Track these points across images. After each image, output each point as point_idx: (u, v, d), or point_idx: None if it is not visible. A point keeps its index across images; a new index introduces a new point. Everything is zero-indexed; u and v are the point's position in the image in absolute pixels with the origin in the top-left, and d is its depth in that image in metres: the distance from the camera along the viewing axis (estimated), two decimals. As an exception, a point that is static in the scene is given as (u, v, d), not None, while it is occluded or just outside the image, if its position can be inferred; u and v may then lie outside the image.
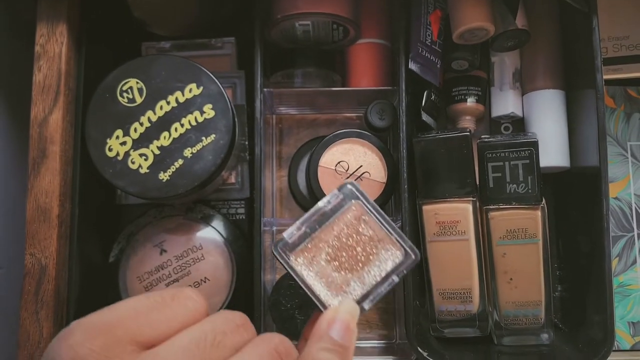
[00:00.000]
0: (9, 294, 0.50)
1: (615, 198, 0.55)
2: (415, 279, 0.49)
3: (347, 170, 0.51)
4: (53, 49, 0.46)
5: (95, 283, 0.49)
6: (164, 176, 0.45)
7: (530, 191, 0.46)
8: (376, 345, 0.55)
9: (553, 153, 0.51)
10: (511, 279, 0.48)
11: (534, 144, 0.46)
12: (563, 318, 0.53)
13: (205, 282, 0.50)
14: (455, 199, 0.48)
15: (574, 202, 0.52)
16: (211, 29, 0.55)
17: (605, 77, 0.54)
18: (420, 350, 0.46)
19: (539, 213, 0.47)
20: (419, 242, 0.49)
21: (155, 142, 0.45)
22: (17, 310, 0.43)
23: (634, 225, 0.55)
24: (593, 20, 0.46)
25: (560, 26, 0.53)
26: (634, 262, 0.54)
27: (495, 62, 0.54)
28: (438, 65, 0.51)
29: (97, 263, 0.49)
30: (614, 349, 0.52)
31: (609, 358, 0.45)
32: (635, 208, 0.55)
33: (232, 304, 0.49)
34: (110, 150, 0.45)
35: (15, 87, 0.54)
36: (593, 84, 0.46)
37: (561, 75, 0.53)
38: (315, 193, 0.51)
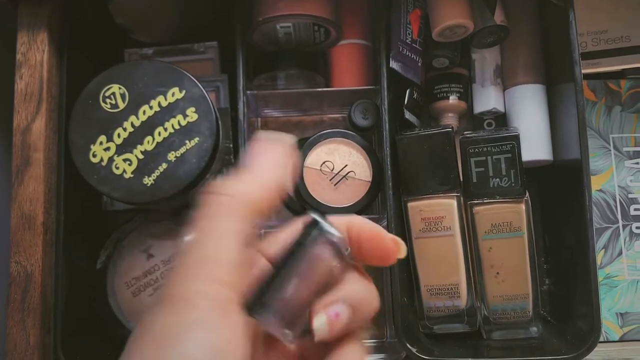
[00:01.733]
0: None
1: (600, 190, 0.56)
2: (403, 275, 0.49)
3: (332, 170, 0.51)
4: (34, 56, 0.46)
5: (82, 290, 0.49)
6: (148, 181, 0.45)
7: (513, 185, 0.47)
8: (367, 343, 0.55)
9: (536, 147, 0.52)
10: (498, 273, 0.49)
11: (516, 138, 0.46)
12: (551, 311, 0.53)
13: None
14: (440, 195, 0.48)
15: (559, 195, 0.53)
16: (193, 34, 0.55)
17: (585, 71, 0.55)
18: (410, 347, 0.46)
19: (522, 206, 0.47)
20: (406, 239, 0.50)
21: (139, 146, 0.45)
22: (3, 319, 0.43)
23: (619, 217, 0.55)
24: (570, 14, 0.47)
25: (539, 21, 0.54)
26: (620, 253, 0.55)
27: (476, 58, 0.55)
28: (419, 64, 0.51)
29: (84, 269, 0.49)
30: (603, 340, 0.53)
31: (599, 349, 0.45)
32: (620, 200, 0.55)
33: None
34: (94, 156, 0.45)
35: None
36: (572, 77, 0.47)
37: (541, 70, 0.53)
38: (302, 194, 0.51)
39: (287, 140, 0.27)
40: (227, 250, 0.23)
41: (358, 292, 0.24)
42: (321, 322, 0.23)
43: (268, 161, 0.26)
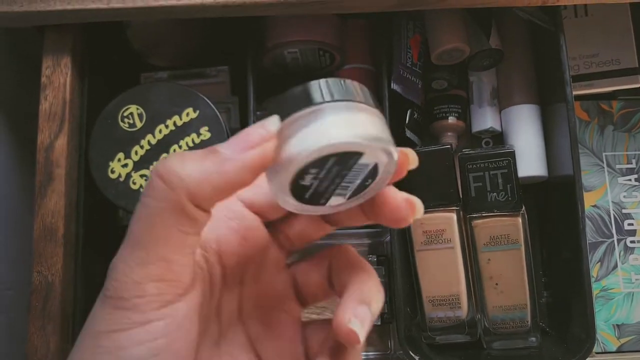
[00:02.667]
0: (16, 311, 0.52)
1: (594, 206, 0.58)
2: (406, 287, 0.51)
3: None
4: (58, 79, 0.49)
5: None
6: (163, 195, 0.47)
7: (510, 199, 0.49)
8: (372, 356, 0.57)
9: (531, 164, 0.54)
10: (497, 284, 0.51)
11: (511, 154, 0.49)
12: (550, 323, 0.55)
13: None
14: (440, 209, 0.50)
15: (554, 210, 0.55)
16: (206, 58, 0.58)
17: (578, 92, 0.58)
18: (413, 355, 0.48)
19: (519, 219, 0.49)
20: (408, 252, 0.52)
21: (155, 163, 0.48)
22: (24, 325, 0.45)
23: (613, 231, 0.57)
24: (560, 38, 0.50)
25: (532, 45, 0.57)
26: (615, 266, 0.56)
27: (473, 81, 0.58)
28: (419, 86, 0.54)
29: (100, 280, 0.51)
30: (600, 351, 0.54)
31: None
32: (614, 215, 0.58)
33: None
34: (112, 172, 0.48)
35: (20, 115, 0.57)
36: (564, 97, 0.50)
37: (535, 91, 0.56)
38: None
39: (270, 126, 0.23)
40: (165, 246, 0.23)
41: (372, 294, 0.26)
42: (358, 327, 0.24)
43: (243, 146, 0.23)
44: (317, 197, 0.25)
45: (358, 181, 0.24)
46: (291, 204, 0.25)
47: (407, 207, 0.26)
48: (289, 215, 0.28)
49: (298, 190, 0.24)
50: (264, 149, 0.23)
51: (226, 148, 0.23)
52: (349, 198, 0.25)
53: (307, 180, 0.23)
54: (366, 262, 0.28)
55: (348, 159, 0.23)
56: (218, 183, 0.22)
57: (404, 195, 0.26)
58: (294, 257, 0.29)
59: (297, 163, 0.22)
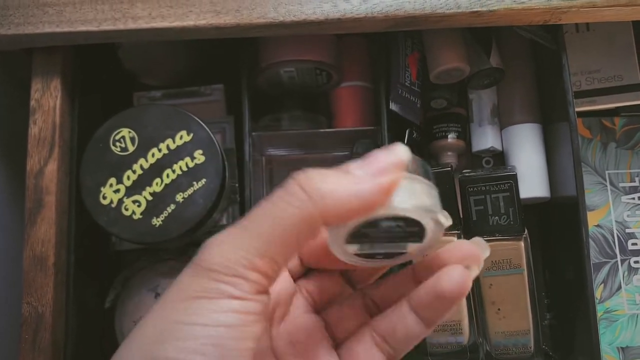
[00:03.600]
0: (6, 341, 0.51)
1: (597, 226, 0.57)
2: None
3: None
4: (48, 102, 0.48)
5: (91, 329, 0.50)
6: (156, 221, 0.46)
7: (512, 222, 0.48)
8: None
9: (533, 184, 0.53)
10: (499, 309, 0.50)
11: (513, 177, 0.48)
12: (554, 345, 0.54)
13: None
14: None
15: (557, 231, 0.54)
16: (200, 77, 0.57)
17: (580, 109, 0.57)
18: (413, 384, 0.47)
19: (522, 244, 0.48)
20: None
21: (147, 188, 0.46)
22: (15, 358, 0.44)
23: (617, 252, 0.56)
24: (562, 58, 0.49)
25: (533, 63, 0.56)
26: (619, 287, 0.55)
27: (473, 99, 0.57)
28: (418, 105, 0.53)
29: (93, 309, 0.50)
30: (605, 374, 0.53)
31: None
32: (617, 234, 0.56)
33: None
34: (104, 198, 0.46)
35: (8, 140, 0.56)
36: (566, 117, 0.48)
37: (537, 109, 0.55)
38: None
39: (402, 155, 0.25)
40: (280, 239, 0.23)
41: None
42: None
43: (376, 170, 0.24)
44: (368, 252, 0.27)
45: (403, 243, 0.26)
46: (343, 251, 0.26)
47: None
48: (312, 275, 0.30)
49: (353, 239, 0.25)
50: (396, 175, 0.24)
51: (360, 170, 0.24)
52: (392, 257, 0.27)
53: (365, 232, 0.25)
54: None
55: (404, 223, 0.25)
56: (354, 205, 0.23)
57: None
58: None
59: (372, 216, 0.24)
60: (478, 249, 0.27)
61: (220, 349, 0.22)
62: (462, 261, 0.27)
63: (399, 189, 0.24)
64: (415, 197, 0.25)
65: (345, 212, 0.23)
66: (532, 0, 0.45)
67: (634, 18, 0.47)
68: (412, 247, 0.27)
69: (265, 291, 0.24)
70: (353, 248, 0.26)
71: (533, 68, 0.56)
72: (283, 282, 0.29)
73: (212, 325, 0.22)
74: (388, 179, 0.23)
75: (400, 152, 0.24)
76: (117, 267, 0.54)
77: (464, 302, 0.49)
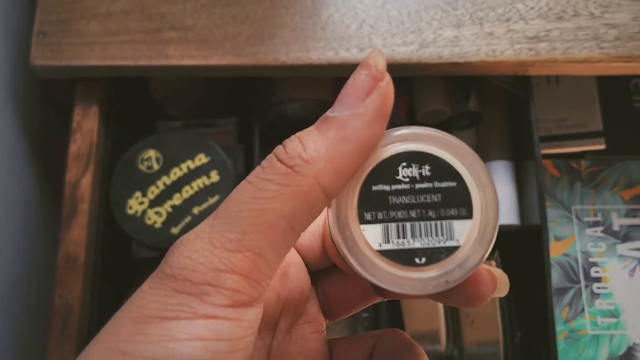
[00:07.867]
0: (34, 332, 0.57)
1: (564, 254, 0.64)
2: (392, 321, 0.56)
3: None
4: (87, 125, 0.55)
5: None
6: (175, 230, 0.53)
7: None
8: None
9: (505, 213, 0.60)
10: (473, 321, 0.56)
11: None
12: (523, 361, 0.60)
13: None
14: (422, 251, 0.56)
15: (525, 257, 0.61)
16: (216, 109, 0.65)
17: (550, 151, 0.65)
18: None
19: (493, 263, 0.55)
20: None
21: (168, 201, 0.54)
22: (44, 345, 0.50)
23: (581, 278, 0.63)
24: (530, 104, 0.57)
25: (507, 108, 0.64)
26: (583, 310, 0.62)
27: (455, 138, 0.65)
28: (406, 140, 0.61)
29: (112, 307, 0.56)
30: (568, 388, 0.59)
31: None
32: (581, 263, 0.63)
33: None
34: (130, 208, 0.54)
35: (47, 155, 0.63)
36: (533, 155, 0.56)
37: (509, 148, 0.63)
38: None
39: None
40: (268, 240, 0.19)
41: None
42: None
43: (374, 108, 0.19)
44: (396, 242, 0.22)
45: (446, 221, 0.22)
46: (358, 247, 0.21)
47: (490, 281, 0.22)
48: (332, 273, 0.25)
49: (369, 212, 0.21)
50: (381, 89, 0.19)
51: (338, 110, 0.19)
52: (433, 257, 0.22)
53: (382, 198, 0.21)
54: (418, 346, 0.24)
55: (431, 171, 0.21)
56: (350, 156, 0.19)
57: (486, 267, 0.22)
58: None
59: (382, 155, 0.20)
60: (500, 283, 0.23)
61: None
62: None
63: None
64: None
65: (345, 170, 0.19)
66: (503, 54, 0.53)
67: (589, 73, 0.55)
68: (462, 232, 0.20)
69: (248, 302, 0.18)
70: (372, 234, 0.20)
71: (506, 113, 0.64)
72: (297, 279, 0.24)
73: None
74: (373, 99, 0.19)
75: (373, 58, 0.19)
76: (133, 273, 0.61)
77: (441, 313, 0.56)
